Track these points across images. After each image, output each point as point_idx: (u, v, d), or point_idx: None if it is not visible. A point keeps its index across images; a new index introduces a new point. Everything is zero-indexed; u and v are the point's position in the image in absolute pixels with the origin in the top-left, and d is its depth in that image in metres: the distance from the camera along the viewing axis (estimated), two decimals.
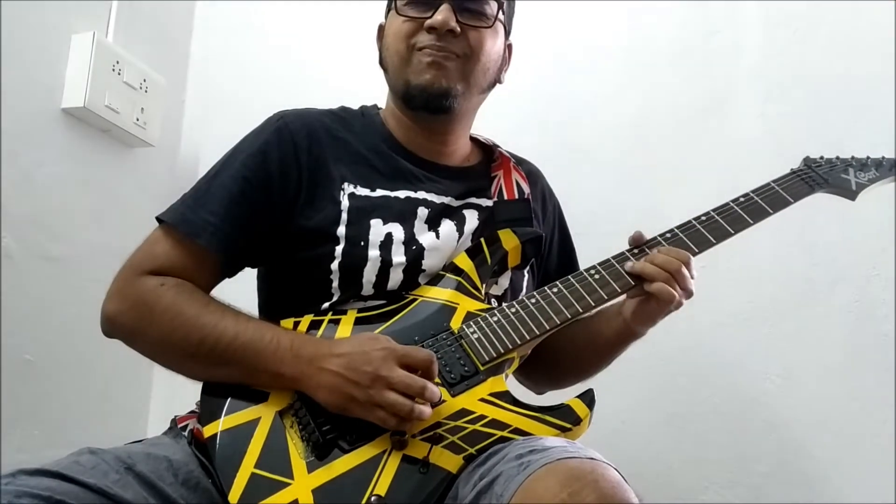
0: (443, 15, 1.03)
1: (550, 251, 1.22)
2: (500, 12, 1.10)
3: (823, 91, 1.56)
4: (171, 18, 1.85)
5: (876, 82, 1.51)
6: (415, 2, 1.06)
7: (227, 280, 1.06)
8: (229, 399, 0.92)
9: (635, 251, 1.04)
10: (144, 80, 1.68)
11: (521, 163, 1.23)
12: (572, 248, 1.27)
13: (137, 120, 1.66)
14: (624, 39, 1.73)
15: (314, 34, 1.91)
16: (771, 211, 1.07)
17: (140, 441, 0.95)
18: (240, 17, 1.97)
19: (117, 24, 1.64)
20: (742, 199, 1.08)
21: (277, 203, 1.03)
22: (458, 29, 1.05)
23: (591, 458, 0.74)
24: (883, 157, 1.17)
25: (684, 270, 0.98)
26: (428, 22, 1.04)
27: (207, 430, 0.89)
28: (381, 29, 1.15)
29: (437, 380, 0.89)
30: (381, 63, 1.14)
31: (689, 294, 1.00)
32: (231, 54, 1.96)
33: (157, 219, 1.02)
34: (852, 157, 1.17)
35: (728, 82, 1.64)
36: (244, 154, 1.04)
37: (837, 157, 1.17)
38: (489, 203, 1.12)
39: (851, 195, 1.14)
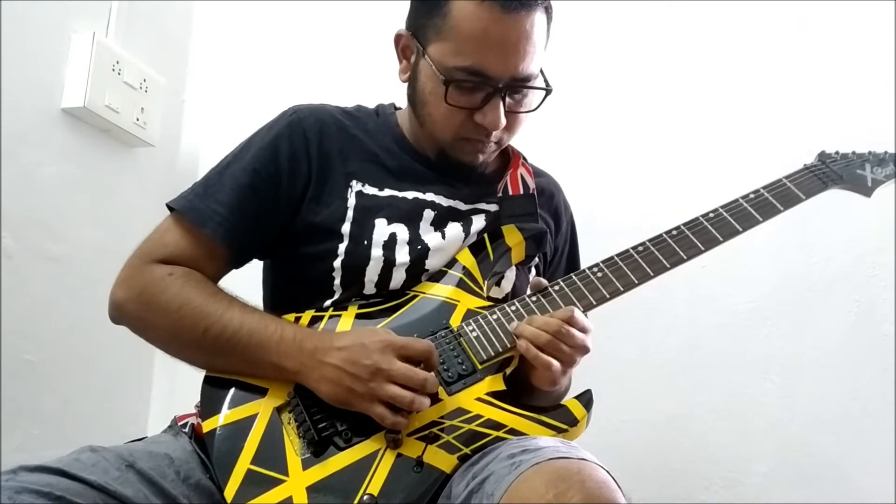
0: (494, 115, 0.98)
1: (560, 263, 1.20)
2: (545, 91, 1.03)
3: (823, 91, 1.56)
4: (170, 18, 1.85)
5: (876, 82, 1.51)
6: (464, 88, 0.98)
7: (230, 276, 1.06)
8: (229, 395, 0.92)
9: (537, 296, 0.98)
10: (144, 80, 1.68)
11: (539, 175, 1.20)
12: (578, 259, 1.24)
13: (137, 120, 1.66)
14: (627, 41, 1.73)
15: (314, 34, 1.91)
16: (781, 208, 1.03)
17: (140, 439, 0.95)
18: (240, 17, 1.97)
19: (117, 24, 1.64)
20: (752, 196, 1.04)
21: (286, 196, 1.03)
22: (505, 122, 1.00)
23: (582, 459, 0.73)
24: None
25: (565, 329, 0.90)
26: (478, 119, 0.99)
27: (206, 426, 0.89)
28: (400, 38, 1.06)
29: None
30: (410, 102, 1.08)
31: (582, 351, 0.92)
32: (231, 54, 1.96)
33: (167, 205, 1.02)
34: (869, 152, 1.12)
35: (729, 82, 1.64)
36: (256, 147, 1.04)
37: (853, 152, 1.12)
38: (497, 208, 1.10)
39: (867, 191, 1.09)
